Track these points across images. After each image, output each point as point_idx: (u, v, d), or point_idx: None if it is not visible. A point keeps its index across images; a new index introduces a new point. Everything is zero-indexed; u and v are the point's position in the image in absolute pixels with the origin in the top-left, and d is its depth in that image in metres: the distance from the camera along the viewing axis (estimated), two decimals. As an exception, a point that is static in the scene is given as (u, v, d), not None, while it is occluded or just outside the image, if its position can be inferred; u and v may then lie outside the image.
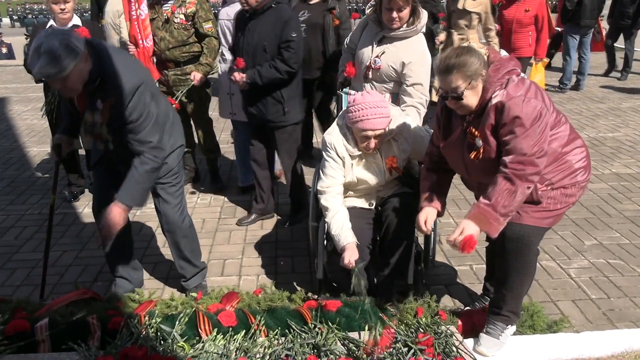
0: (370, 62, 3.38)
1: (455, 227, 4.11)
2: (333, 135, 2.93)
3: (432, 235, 3.27)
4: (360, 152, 2.90)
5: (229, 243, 4.00)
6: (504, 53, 2.61)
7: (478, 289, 3.31)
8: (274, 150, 4.15)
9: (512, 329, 2.71)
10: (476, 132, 2.37)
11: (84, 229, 4.22)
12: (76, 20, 4.29)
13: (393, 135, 2.91)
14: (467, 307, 3.08)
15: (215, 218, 4.40)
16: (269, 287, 3.05)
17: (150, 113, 2.71)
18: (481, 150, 2.38)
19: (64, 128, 3.03)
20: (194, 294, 3.00)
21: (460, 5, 5.81)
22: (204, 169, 5.17)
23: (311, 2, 4.70)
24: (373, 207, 3.02)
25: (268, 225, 4.26)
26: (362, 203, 3.03)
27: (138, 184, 2.77)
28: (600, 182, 4.99)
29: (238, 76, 3.73)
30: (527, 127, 2.25)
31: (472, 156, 2.41)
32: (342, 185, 2.94)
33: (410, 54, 3.31)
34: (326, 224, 2.89)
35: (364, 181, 2.96)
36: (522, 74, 2.42)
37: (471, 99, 2.34)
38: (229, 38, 4.41)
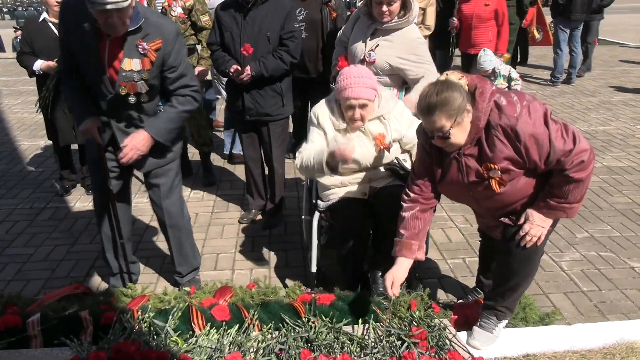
0: (364, 56, 3.35)
1: (447, 219, 4.15)
2: (318, 106, 3.02)
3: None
4: (347, 126, 2.91)
5: (222, 237, 3.98)
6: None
7: (471, 282, 3.32)
8: (266, 145, 4.04)
9: (505, 322, 2.71)
10: (493, 166, 2.25)
11: (75, 224, 4.19)
12: None
13: (383, 114, 2.92)
14: (460, 300, 3.08)
15: (208, 212, 4.39)
16: (263, 281, 3.04)
17: (188, 60, 2.86)
18: (499, 179, 2.27)
19: (90, 111, 2.82)
20: (187, 288, 2.99)
21: None
22: (196, 164, 5.14)
23: None
24: (366, 196, 2.97)
25: (260, 219, 4.24)
26: (354, 193, 2.98)
27: (170, 121, 2.83)
28: (592, 175, 5.00)
29: (241, 69, 3.59)
30: (548, 130, 2.17)
31: (494, 186, 2.29)
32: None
33: (404, 46, 3.31)
34: (307, 162, 2.86)
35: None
36: (496, 86, 2.38)
37: (459, 136, 2.24)
38: None
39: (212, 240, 3.94)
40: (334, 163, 2.76)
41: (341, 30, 3.79)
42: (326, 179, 2.98)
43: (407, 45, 3.33)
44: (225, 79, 4.25)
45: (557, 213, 2.34)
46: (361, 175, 2.99)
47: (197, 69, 4.37)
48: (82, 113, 2.83)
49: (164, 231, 3.20)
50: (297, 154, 2.98)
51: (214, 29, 3.83)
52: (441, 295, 3.25)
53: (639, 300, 3.16)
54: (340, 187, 3.01)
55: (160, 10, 4.27)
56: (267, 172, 4.15)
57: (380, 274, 2.99)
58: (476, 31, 6.39)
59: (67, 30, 2.68)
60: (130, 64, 2.65)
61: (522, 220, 2.38)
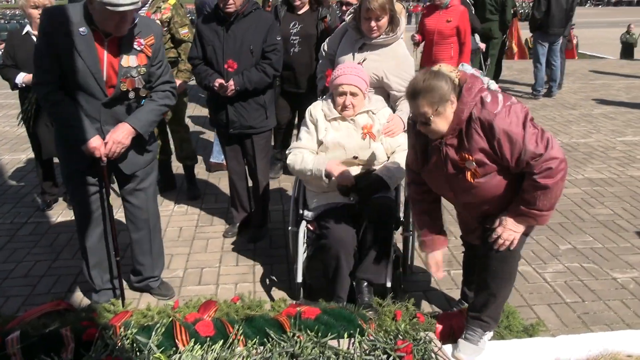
0: None
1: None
2: (314, 104, 3.27)
3: (411, 241, 3.30)
4: (338, 116, 3.11)
5: (206, 251, 3.95)
6: (469, 69, 2.60)
7: (456, 294, 3.32)
8: (250, 158, 4.01)
9: (490, 334, 2.73)
10: (468, 156, 2.34)
11: (57, 239, 4.14)
12: None
13: (371, 109, 3.15)
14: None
15: (192, 226, 4.35)
16: (247, 296, 3.02)
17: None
18: (473, 170, 2.36)
19: (91, 125, 2.79)
20: (171, 303, 2.96)
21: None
22: (180, 177, 5.11)
23: (300, 13, 4.67)
24: (354, 201, 3.01)
25: (246, 232, 4.22)
26: (342, 197, 3.03)
27: (151, 113, 2.92)
28: (574, 187, 5.07)
29: (225, 83, 3.60)
30: (524, 132, 2.26)
31: (469, 178, 2.37)
32: (311, 152, 3.12)
33: (391, 61, 3.39)
34: (299, 168, 3.06)
35: (338, 144, 3.08)
36: (490, 87, 2.45)
37: (440, 124, 2.33)
38: None
39: (196, 254, 3.91)
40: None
41: (325, 43, 3.81)
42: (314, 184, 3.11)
43: (395, 60, 3.41)
44: (206, 92, 4.24)
45: (528, 219, 2.42)
46: (347, 161, 3.09)
47: (177, 82, 4.35)
48: (84, 129, 2.77)
49: (142, 236, 3.22)
50: (287, 152, 3.18)
51: (195, 42, 3.81)
52: (426, 307, 3.25)
53: (622, 311, 3.19)
54: (327, 191, 3.07)
55: None
56: (251, 185, 4.13)
57: (365, 284, 3.01)
58: (437, 47, 6.20)
59: (54, 39, 2.66)
60: (128, 61, 2.78)
61: (496, 224, 2.46)
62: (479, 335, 2.66)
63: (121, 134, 2.81)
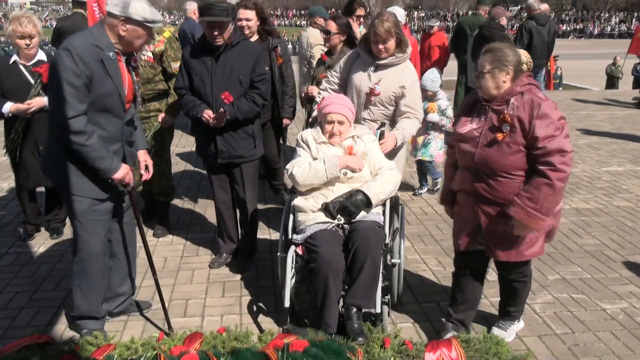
0: (371, 89, 3.70)
1: (421, 262, 4.18)
2: (303, 131, 3.55)
3: (399, 270, 3.32)
4: (327, 141, 3.37)
5: (191, 282, 3.92)
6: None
7: (446, 327, 3.32)
8: (239, 187, 3.99)
9: (520, 323, 3.27)
10: (508, 117, 2.70)
11: (38, 269, 4.08)
12: (41, 55, 4.24)
13: (357, 134, 3.42)
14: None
15: (177, 257, 4.32)
16: (234, 330, 2.99)
17: None
18: (505, 133, 2.71)
19: (115, 155, 2.97)
20: (155, 335, 2.92)
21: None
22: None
23: None
24: (342, 221, 3.16)
25: (233, 262, 4.19)
26: (330, 218, 3.18)
27: (142, 133, 3.34)
28: (561, 217, 5.11)
29: (213, 113, 3.65)
30: (562, 129, 2.65)
31: (500, 136, 2.73)
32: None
33: (405, 78, 3.74)
34: (301, 174, 3.27)
35: (331, 157, 3.29)
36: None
37: (489, 82, 2.76)
38: None
39: (181, 285, 3.87)
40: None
41: (333, 72, 3.96)
42: (302, 201, 3.26)
43: (407, 78, 3.76)
44: (191, 122, 4.25)
45: (530, 221, 2.72)
46: (332, 195, 3.26)
47: (161, 116, 4.39)
48: (113, 158, 2.92)
49: (131, 252, 3.35)
50: (288, 167, 3.36)
51: (181, 72, 3.83)
52: (416, 338, 3.23)
53: (612, 342, 3.21)
54: (316, 211, 3.20)
55: None
56: (238, 214, 4.12)
57: (354, 310, 3.04)
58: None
59: (89, 69, 2.75)
60: (131, 78, 3.04)
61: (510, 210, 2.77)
62: (508, 325, 3.22)
63: (148, 157, 3.26)
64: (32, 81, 4.18)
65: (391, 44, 3.64)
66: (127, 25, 2.79)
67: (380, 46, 3.62)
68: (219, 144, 3.78)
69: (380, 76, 3.71)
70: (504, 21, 7.66)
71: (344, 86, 3.88)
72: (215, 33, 3.59)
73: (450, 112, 5.52)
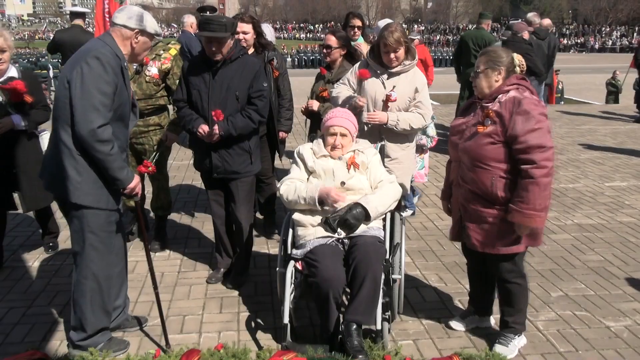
0: (388, 95, 3.89)
1: (422, 278, 4.16)
2: (303, 145, 3.58)
3: (399, 286, 3.31)
4: (327, 154, 3.42)
5: (189, 298, 3.90)
6: None
7: (447, 344, 3.30)
8: (233, 203, 3.96)
9: (522, 339, 3.26)
10: (491, 113, 2.93)
11: (32, 285, 4.06)
12: (12, 72, 4.07)
13: (358, 148, 3.48)
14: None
15: (174, 272, 4.30)
16: (232, 347, 2.96)
17: None
18: (485, 127, 2.95)
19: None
20: (152, 351, 2.90)
21: None
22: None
23: None
24: (341, 235, 3.19)
25: (228, 278, 4.17)
26: (330, 232, 3.20)
27: None
28: (564, 232, 5.12)
29: (209, 128, 3.65)
30: (543, 124, 2.82)
31: (479, 129, 2.97)
32: (302, 181, 3.38)
33: (417, 81, 3.98)
34: (290, 198, 3.31)
35: (328, 171, 3.37)
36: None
37: (482, 81, 3.02)
38: None
39: (178, 301, 3.85)
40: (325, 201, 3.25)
41: (342, 83, 4.07)
42: (302, 215, 3.29)
43: (417, 80, 3.99)
44: (189, 135, 4.23)
45: (528, 221, 2.89)
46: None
47: (167, 136, 4.42)
48: (128, 169, 2.99)
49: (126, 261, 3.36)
50: (279, 184, 3.42)
51: (180, 85, 3.85)
52: (417, 356, 3.21)
53: (616, 361, 3.19)
54: (315, 226, 3.24)
55: (134, 67, 4.27)
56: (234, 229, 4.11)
57: (354, 326, 3.03)
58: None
59: (117, 79, 2.87)
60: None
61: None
62: (510, 339, 3.21)
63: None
64: (1, 99, 3.98)
65: (401, 52, 3.86)
66: (139, 37, 2.98)
67: (392, 55, 3.84)
68: (213, 159, 3.80)
69: (394, 83, 3.92)
70: (526, 35, 7.72)
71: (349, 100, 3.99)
72: (214, 49, 3.60)
73: (431, 131, 5.50)
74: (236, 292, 3.96)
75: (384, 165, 3.61)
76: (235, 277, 4.07)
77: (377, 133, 3.96)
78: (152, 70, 4.26)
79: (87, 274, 3.01)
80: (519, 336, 3.26)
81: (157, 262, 4.43)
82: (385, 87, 3.93)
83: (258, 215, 5.21)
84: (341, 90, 4.03)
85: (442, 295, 3.93)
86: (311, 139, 3.73)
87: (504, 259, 3.10)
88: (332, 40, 4.60)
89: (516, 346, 3.23)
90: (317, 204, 3.21)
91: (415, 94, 3.95)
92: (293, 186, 3.33)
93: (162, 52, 4.36)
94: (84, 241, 2.97)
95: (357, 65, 4.12)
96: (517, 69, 3.04)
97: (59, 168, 2.88)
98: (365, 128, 3.96)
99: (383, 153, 3.77)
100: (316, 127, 4.71)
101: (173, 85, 4.29)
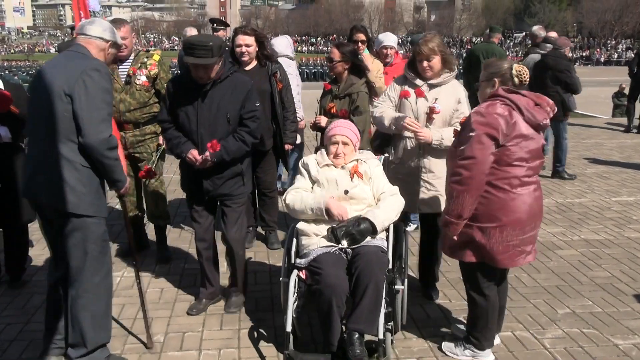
0: (431, 107, 3.76)
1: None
2: (307, 156, 3.71)
3: (402, 296, 3.34)
4: (330, 163, 3.50)
5: (188, 315, 3.88)
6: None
7: (452, 361, 3.29)
8: (224, 225, 3.82)
9: (478, 356, 3.28)
10: (463, 119, 3.17)
11: (31, 299, 4.06)
12: None
13: (360, 158, 3.55)
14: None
15: (174, 287, 4.29)
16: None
17: None
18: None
19: None
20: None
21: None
22: (151, 237, 4.96)
23: (248, 68, 4.64)
24: (346, 245, 3.24)
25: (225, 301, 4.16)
26: (334, 242, 3.27)
27: None
28: (570, 248, 5.11)
29: (200, 157, 3.54)
30: (473, 133, 2.96)
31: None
32: (307, 191, 3.49)
33: (458, 92, 3.87)
34: (296, 206, 3.40)
35: (331, 180, 3.45)
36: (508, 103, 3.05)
37: (480, 93, 3.21)
38: None
39: (178, 317, 3.84)
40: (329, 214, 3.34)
41: (382, 102, 3.97)
42: (306, 225, 3.38)
43: (459, 92, 3.88)
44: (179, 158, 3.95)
45: (442, 221, 3.19)
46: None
47: (161, 139, 4.45)
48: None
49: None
50: (285, 194, 3.50)
51: (165, 104, 3.71)
52: (421, 376, 3.21)
53: (625, 379, 3.17)
54: (319, 235, 3.32)
55: (124, 79, 4.33)
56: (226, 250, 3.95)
57: (357, 335, 3.07)
58: None
59: (112, 88, 3.15)
60: None
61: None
62: (462, 345, 3.34)
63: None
64: None
65: (435, 62, 3.74)
66: (111, 50, 3.16)
67: (425, 64, 3.74)
68: (205, 184, 3.67)
69: (435, 95, 3.80)
70: (567, 51, 7.77)
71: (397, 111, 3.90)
72: (200, 75, 3.48)
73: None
74: (237, 309, 3.95)
75: (421, 179, 3.82)
76: (234, 302, 3.93)
77: (416, 149, 3.84)
78: (142, 78, 4.35)
79: (88, 287, 3.03)
80: (473, 350, 3.29)
81: (157, 278, 4.43)
82: (427, 99, 3.83)
83: (260, 230, 5.21)
84: (384, 110, 3.89)
85: (446, 313, 3.92)
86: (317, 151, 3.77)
87: (465, 267, 3.27)
88: (335, 54, 4.62)
89: (465, 354, 3.32)
90: (324, 214, 3.32)
91: (458, 105, 3.84)
92: (299, 195, 3.42)
93: (145, 59, 4.43)
94: (86, 253, 3.00)
95: (395, 80, 4.05)
96: (516, 80, 3.07)
97: (60, 182, 2.90)
98: (409, 146, 3.84)
99: (387, 165, 3.80)
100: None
101: (162, 90, 4.33)
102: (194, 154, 3.56)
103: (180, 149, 3.60)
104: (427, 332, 3.66)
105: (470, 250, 3.11)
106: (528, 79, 3.10)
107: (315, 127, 4.54)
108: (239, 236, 3.85)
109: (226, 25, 8.29)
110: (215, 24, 7.94)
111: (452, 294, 4.17)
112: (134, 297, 4.00)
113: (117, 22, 4.37)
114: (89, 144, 2.85)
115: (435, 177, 3.83)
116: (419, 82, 3.83)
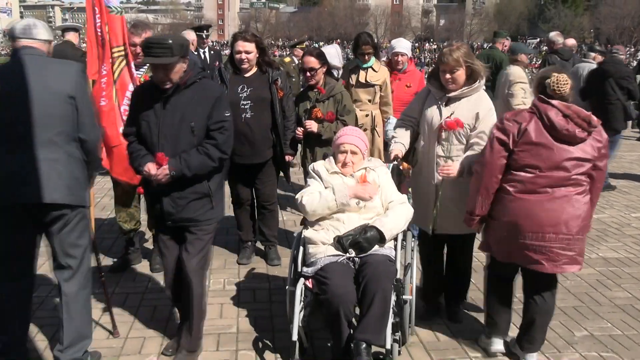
0: (442, 123, 3.67)
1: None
2: (316, 162, 3.86)
3: (411, 308, 3.42)
4: (339, 171, 3.60)
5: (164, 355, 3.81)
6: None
7: (462, 386, 3.28)
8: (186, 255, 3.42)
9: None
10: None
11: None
12: None
13: (369, 166, 3.65)
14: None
15: (167, 305, 4.27)
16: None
17: None
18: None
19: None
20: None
21: (362, 79, 5.63)
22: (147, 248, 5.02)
23: (248, 75, 4.67)
24: (353, 254, 3.34)
25: (228, 313, 4.16)
26: (341, 251, 3.37)
27: None
28: (588, 267, 5.09)
29: (157, 170, 3.24)
30: (490, 135, 3.37)
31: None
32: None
33: (480, 106, 3.69)
34: (313, 203, 3.49)
35: (343, 184, 3.52)
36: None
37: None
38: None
39: (172, 337, 3.83)
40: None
41: (407, 110, 4.04)
42: (313, 233, 3.47)
43: (481, 106, 3.70)
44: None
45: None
46: (342, 226, 3.46)
47: None
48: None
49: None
50: (297, 196, 3.59)
51: (130, 115, 3.49)
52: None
53: (647, 407, 3.16)
54: (326, 244, 3.40)
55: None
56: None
57: (364, 345, 3.15)
58: (398, 114, 6.21)
59: None
60: None
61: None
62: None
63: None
64: None
65: (459, 74, 3.62)
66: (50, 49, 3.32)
67: (448, 76, 3.62)
68: (165, 204, 3.34)
69: (452, 109, 3.68)
70: (622, 56, 7.89)
71: (412, 125, 3.93)
72: (160, 76, 3.25)
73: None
74: (234, 328, 3.95)
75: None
76: (184, 357, 3.48)
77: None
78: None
79: (88, 279, 3.35)
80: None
81: (150, 295, 4.43)
82: (441, 114, 3.71)
83: (259, 245, 5.22)
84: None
85: (456, 334, 3.91)
86: (304, 164, 3.84)
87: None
88: (314, 62, 4.68)
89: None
90: (349, 202, 3.46)
91: (476, 122, 3.65)
92: (317, 194, 3.51)
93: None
94: (87, 246, 3.33)
95: (420, 92, 4.07)
96: (550, 89, 3.20)
97: (72, 180, 3.15)
98: (438, 161, 3.74)
99: (395, 173, 3.84)
100: (314, 145, 4.85)
101: None
102: (149, 167, 3.26)
103: (139, 162, 3.33)
104: (435, 354, 3.64)
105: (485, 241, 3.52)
106: (567, 90, 3.16)
107: (305, 134, 4.67)
108: (200, 270, 3.46)
109: (209, 29, 9.15)
110: (204, 31, 8.65)
111: (462, 314, 4.16)
112: (124, 316, 4.01)
113: (140, 27, 4.52)
114: (92, 140, 3.23)
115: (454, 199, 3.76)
116: (438, 94, 3.75)
